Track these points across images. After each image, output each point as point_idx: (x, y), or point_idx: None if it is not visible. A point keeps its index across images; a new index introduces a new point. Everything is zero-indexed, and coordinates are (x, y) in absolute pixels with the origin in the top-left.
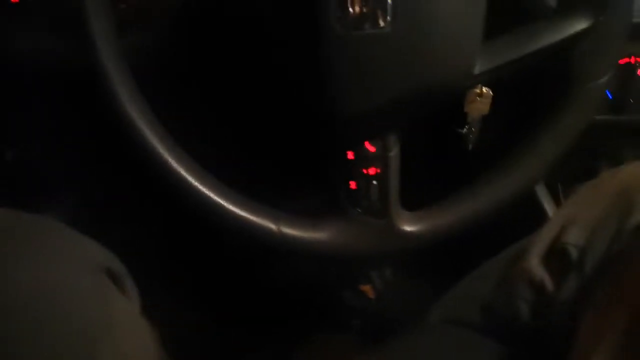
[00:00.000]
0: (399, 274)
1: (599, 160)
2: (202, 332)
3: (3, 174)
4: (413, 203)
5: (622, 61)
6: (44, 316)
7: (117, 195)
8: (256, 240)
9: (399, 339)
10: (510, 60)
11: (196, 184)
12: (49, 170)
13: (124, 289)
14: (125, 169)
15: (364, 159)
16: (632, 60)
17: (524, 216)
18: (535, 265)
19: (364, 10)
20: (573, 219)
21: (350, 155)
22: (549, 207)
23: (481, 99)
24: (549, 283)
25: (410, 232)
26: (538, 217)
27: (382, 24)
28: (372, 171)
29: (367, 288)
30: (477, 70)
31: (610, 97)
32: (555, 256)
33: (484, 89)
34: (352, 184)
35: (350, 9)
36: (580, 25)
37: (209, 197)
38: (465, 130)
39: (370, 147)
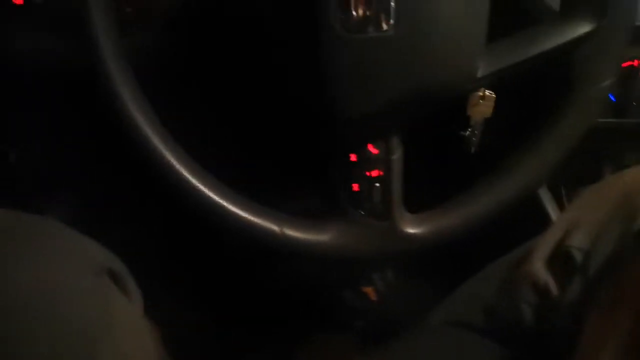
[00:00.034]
0: (401, 276)
1: (602, 163)
2: (202, 332)
3: (6, 175)
4: (416, 205)
5: (624, 64)
6: (44, 316)
7: (117, 195)
8: (259, 241)
9: (401, 341)
10: (513, 64)
11: (199, 185)
12: (49, 170)
13: (126, 289)
14: (125, 169)
15: (367, 162)
16: (635, 63)
17: (527, 219)
18: (539, 268)
19: (367, 13)
20: (577, 223)
21: (353, 157)
22: (552, 210)
23: (484, 101)
24: (553, 286)
25: (413, 235)
26: (541, 220)
27: (385, 27)
28: (374, 173)
29: (369, 290)
30: (480, 73)
31: (614, 100)
32: (560, 259)
33: (487, 92)
34: (355, 186)
35: (354, 12)
36: (582, 28)
37: (211, 199)
38: (467, 133)
39: (373, 150)
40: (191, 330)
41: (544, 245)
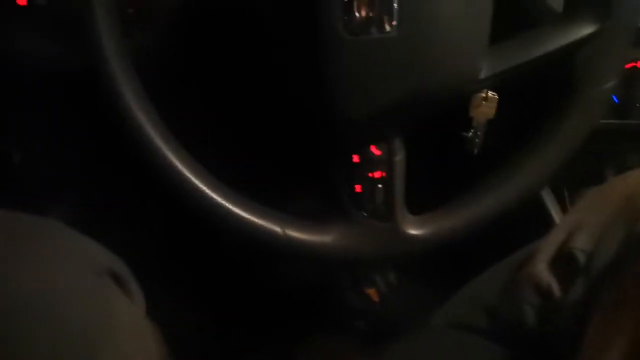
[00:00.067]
0: (403, 278)
1: (605, 165)
2: (202, 332)
3: (10, 176)
4: (418, 207)
5: (627, 65)
6: (45, 317)
7: (118, 196)
8: (261, 242)
9: (402, 342)
10: (515, 65)
11: (201, 186)
12: (49, 170)
13: (128, 290)
14: (125, 169)
15: (370, 163)
16: (638, 64)
17: (530, 221)
18: (542, 270)
19: (370, 14)
20: (580, 224)
21: (355, 158)
22: (555, 211)
23: (486, 103)
24: (556, 288)
25: (415, 236)
26: (544, 222)
27: (388, 28)
28: (377, 175)
29: (371, 291)
30: (483, 74)
31: (617, 101)
32: (563, 261)
33: (490, 93)
34: (357, 187)
35: (357, 13)
36: (585, 30)
37: (214, 200)
38: (470, 134)
39: (375, 151)
40: (191, 330)
41: (547, 246)
